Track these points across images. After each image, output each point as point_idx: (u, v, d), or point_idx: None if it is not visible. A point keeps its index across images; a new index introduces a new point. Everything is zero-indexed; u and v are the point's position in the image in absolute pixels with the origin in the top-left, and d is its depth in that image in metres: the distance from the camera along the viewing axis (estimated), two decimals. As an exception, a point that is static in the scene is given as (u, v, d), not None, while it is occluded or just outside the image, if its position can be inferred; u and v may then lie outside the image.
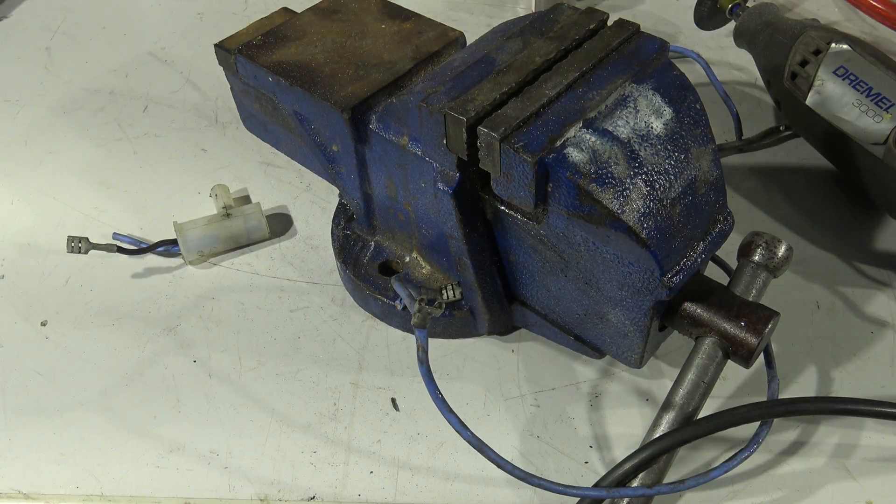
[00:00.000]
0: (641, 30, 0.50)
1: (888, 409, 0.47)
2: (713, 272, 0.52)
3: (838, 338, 0.57)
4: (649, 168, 0.44)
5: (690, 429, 0.46)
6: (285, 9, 0.64)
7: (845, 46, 0.61)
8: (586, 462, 0.51)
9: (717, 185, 0.48)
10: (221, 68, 0.63)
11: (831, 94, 0.60)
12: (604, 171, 0.43)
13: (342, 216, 0.62)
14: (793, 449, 0.51)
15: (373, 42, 0.58)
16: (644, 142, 0.45)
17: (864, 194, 0.63)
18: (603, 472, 0.47)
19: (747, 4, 0.72)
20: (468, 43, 0.57)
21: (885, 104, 0.57)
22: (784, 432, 0.52)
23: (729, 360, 0.49)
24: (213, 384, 0.56)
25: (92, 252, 0.61)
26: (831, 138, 0.61)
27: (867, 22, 0.84)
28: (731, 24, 0.73)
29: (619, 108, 0.45)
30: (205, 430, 0.53)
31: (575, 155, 0.43)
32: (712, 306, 0.48)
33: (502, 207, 0.49)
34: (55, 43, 0.86)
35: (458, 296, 0.55)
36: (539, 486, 0.45)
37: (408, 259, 0.59)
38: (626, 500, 0.46)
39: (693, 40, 0.83)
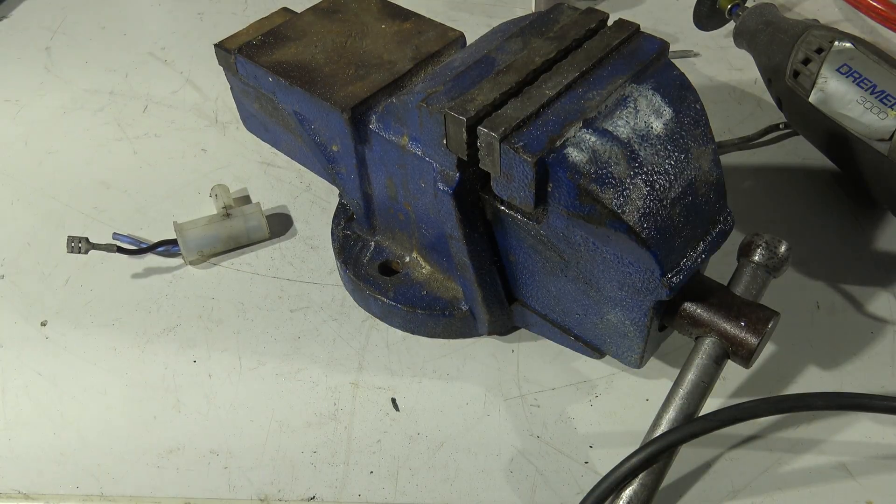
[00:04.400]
0: (641, 30, 0.50)
1: (896, 405, 0.47)
2: (713, 272, 0.52)
3: (838, 337, 0.57)
4: (649, 168, 0.44)
5: (695, 424, 0.46)
6: (285, 9, 0.64)
7: (848, 45, 0.61)
8: (586, 462, 0.51)
9: (718, 185, 0.48)
10: (221, 68, 0.63)
11: (835, 92, 0.60)
12: (604, 171, 0.43)
13: (342, 216, 0.62)
14: (793, 449, 0.51)
15: (373, 42, 0.58)
16: (644, 142, 0.45)
17: (864, 193, 0.63)
18: (603, 473, 0.47)
19: (746, 5, 0.72)
20: (468, 43, 0.57)
21: (890, 101, 0.57)
22: (784, 431, 0.52)
23: (729, 360, 0.49)
24: (213, 384, 0.56)
25: (92, 252, 0.61)
26: (834, 136, 0.61)
27: (867, 23, 0.84)
28: (731, 24, 0.73)
29: (619, 108, 0.45)
30: (205, 430, 0.53)
31: (575, 155, 0.43)
32: (712, 306, 0.48)
33: (502, 207, 0.49)
34: (55, 43, 0.86)
35: None
36: None
37: (408, 259, 0.59)
38: (626, 499, 0.46)
39: (693, 40, 0.83)
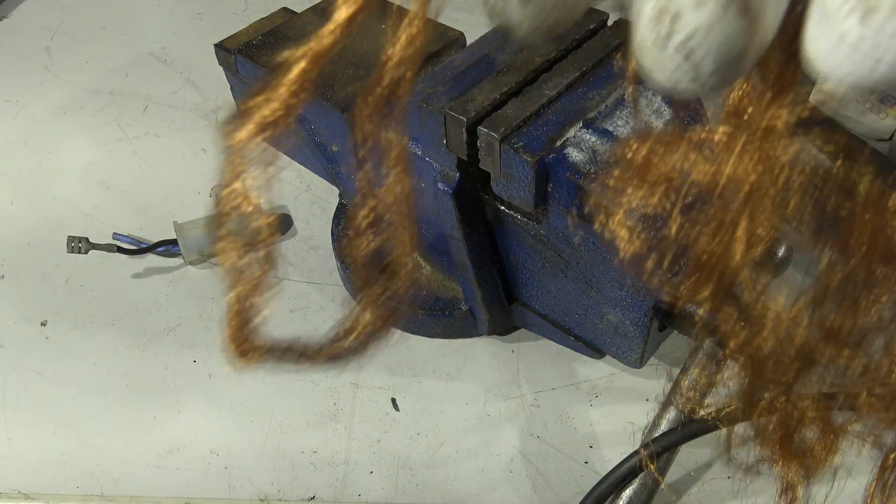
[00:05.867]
0: (641, 30, 0.50)
1: None
2: (713, 272, 0.52)
3: (838, 338, 0.57)
4: (649, 168, 0.44)
5: (695, 424, 0.46)
6: (285, 9, 0.64)
7: (846, 46, 0.61)
8: (586, 462, 0.51)
9: (717, 185, 0.47)
10: (221, 68, 0.63)
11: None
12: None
13: (342, 216, 0.62)
14: (793, 449, 0.51)
15: (373, 42, 0.58)
16: (644, 142, 0.45)
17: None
18: (603, 473, 0.47)
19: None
20: (468, 43, 0.57)
21: (890, 101, 0.57)
22: (784, 432, 0.52)
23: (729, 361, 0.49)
24: (213, 384, 0.56)
25: (92, 252, 0.61)
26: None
27: (867, 22, 0.84)
28: (731, 24, 0.73)
29: (619, 108, 0.45)
30: (205, 430, 0.53)
31: (575, 155, 0.43)
32: (712, 306, 0.48)
33: (502, 207, 0.49)
34: (55, 43, 0.86)
35: None
36: None
37: (408, 259, 0.59)
38: (626, 499, 0.46)
39: (693, 40, 0.83)
